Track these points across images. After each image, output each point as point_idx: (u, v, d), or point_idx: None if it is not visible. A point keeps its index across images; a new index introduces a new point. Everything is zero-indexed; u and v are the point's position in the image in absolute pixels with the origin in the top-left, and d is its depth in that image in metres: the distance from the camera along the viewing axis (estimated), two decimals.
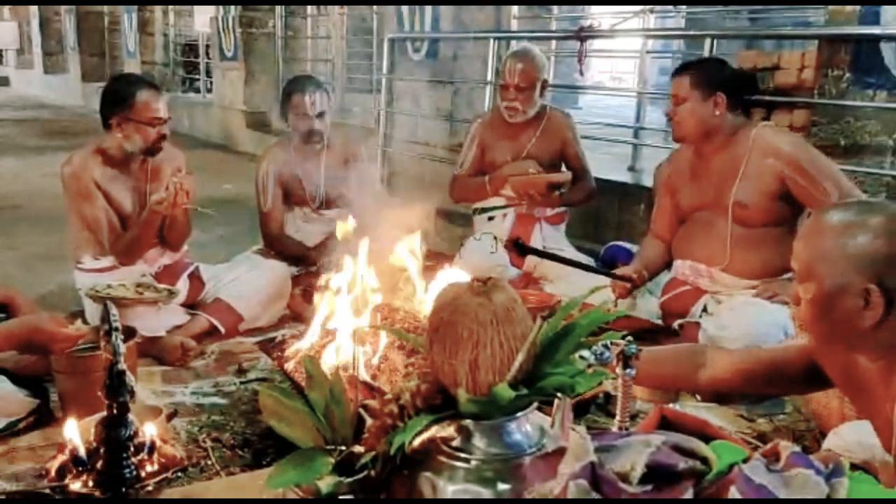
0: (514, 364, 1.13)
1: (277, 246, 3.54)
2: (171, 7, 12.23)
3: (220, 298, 3.16)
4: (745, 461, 1.00)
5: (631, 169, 5.24)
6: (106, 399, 1.18)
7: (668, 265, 2.96)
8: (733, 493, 0.93)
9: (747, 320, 2.55)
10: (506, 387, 1.11)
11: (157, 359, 2.84)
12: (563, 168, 3.70)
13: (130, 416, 1.25)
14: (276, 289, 3.27)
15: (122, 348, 1.17)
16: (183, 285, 3.18)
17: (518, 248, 2.92)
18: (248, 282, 3.20)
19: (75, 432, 1.21)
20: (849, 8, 3.51)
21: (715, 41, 4.17)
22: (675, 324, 2.81)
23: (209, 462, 2.12)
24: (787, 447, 1.03)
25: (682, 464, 0.98)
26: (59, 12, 16.47)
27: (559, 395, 1.16)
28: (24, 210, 5.78)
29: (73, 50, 15.32)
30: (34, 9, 17.52)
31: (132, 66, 12.71)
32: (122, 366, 1.16)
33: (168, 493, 1.31)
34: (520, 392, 1.12)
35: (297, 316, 3.31)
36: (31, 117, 13.06)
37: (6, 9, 20.78)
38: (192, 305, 3.18)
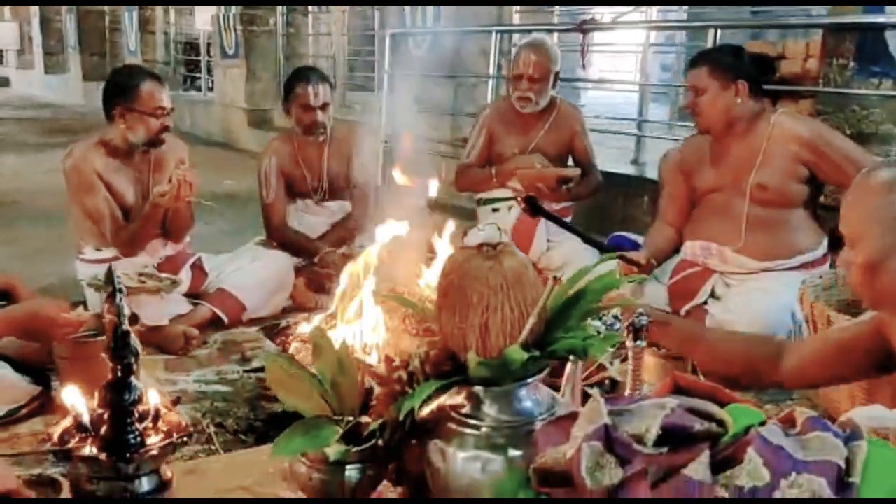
0: (524, 328, 1.11)
1: (280, 237, 3.52)
2: (171, 5, 12.22)
3: (223, 288, 3.14)
4: (761, 424, 0.98)
5: (634, 162, 5.23)
6: (110, 361, 1.16)
7: (676, 251, 2.94)
8: (750, 454, 0.91)
9: (755, 305, 2.54)
10: (518, 348, 1.09)
11: (160, 348, 2.82)
12: (571, 161, 3.68)
13: (135, 381, 1.23)
14: (278, 278, 3.26)
15: (126, 309, 1.15)
16: (185, 275, 3.16)
17: (531, 205, 2.89)
18: (250, 271, 3.18)
19: (78, 397, 1.19)
20: None
21: (718, 33, 4.17)
22: (683, 310, 2.79)
23: (213, 447, 2.12)
24: (803, 413, 1.02)
25: (698, 425, 0.96)
26: (59, 12, 16.45)
27: (571, 357, 1.14)
28: (23, 206, 5.77)
29: (74, 49, 15.30)
30: (35, 9, 17.51)
31: None
32: (127, 326, 1.14)
33: (172, 466, 1.29)
34: (532, 353, 1.10)
35: (300, 306, 3.29)
36: (31, 116, 13.05)
37: (7, 9, 20.78)
38: (195, 295, 3.15)
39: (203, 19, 10.58)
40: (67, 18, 15.67)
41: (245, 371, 2.69)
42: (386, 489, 1.30)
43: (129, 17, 12.81)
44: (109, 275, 1.11)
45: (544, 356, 1.13)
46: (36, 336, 2.23)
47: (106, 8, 14.54)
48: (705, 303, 2.79)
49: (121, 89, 2.91)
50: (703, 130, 2.83)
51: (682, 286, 2.85)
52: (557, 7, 6.09)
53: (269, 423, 2.25)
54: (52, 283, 3.69)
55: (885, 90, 3.41)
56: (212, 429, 2.24)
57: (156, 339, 2.81)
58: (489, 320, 1.12)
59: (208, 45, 10.76)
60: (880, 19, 3.40)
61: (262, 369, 2.68)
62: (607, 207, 4.57)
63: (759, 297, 2.59)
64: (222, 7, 9.43)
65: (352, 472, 1.25)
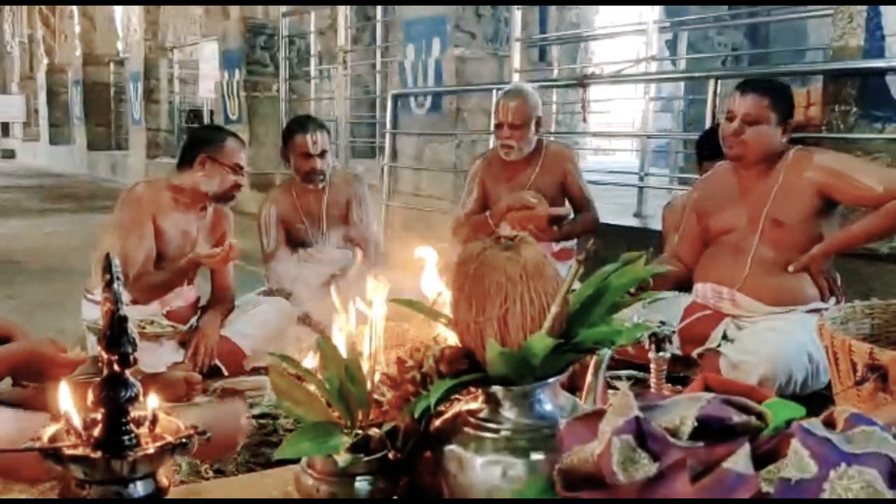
0: (545, 321, 1.05)
1: (281, 286, 3.47)
2: (176, 75, 12.45)
3: (223, 335, 3.07)
4: (803, 418, 0.92)
5: (637, 215, 5.23)
6: (106, 352, 1.09)
7: (679, 286, 2.89)
8: (795, 445, 0.84)
9: (770, 346, 2.46)
10: (542, 335, 1.02)
11: (160, 396, 2.73)
12: (566, 201, 3.65)
13: (132, 378, 1.17)
14: (279, 323, 3.19)
15: (124, 297, 1.09)
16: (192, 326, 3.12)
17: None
18: (251, 317, 3.14)
19: (67, 396, 1.12)
20: (853, 43, 3.53)
21: (719, 84, 4.21)
22: (695, 353, 2.71)
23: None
24: (843, 411, 0.95)
25: (736, 417, 0.90)
26: (65, 84, 16.76)
27: (598, 352, 1.08)
28: (24, 264, 5.79)
29: (80, 120, 15.51)
30: (42, 82, 17.84)
31: (138, 134, 12.86)
32: (124, 312, 1.08)
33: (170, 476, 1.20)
34: (557, 341, 1.03)
35: None
36: (35, 184, 13.14)
37: (14, 83, 21.19)
38: None
39: (206, 87, 10.74)
40: (74, 90, 15.93)
41: (246, 417, 2.61)
42: None
43: (134, 87, 13.02)
44: (107, 262, 1.05)
45: (569, 348, 1.06)
46: (33, 375, 2.16)
47: (112, 79, 14.81)
48: (719, 345, 2.72)
49: (208, 140, 3.03)
50: (734, 157, 2.67)
51: (694, 329, 2.78)
52: (556, 63, 6.17)
53: (269, 468, 2.16)
54: (51, 336, 3.63)
55: (889, 134, 3.41)
56: (210, 474, 2.16)
57: (155, 387, 2.71)
58: (508, 312, 1.05)
59: (211, 112, 10.89)
60: (880, 64, 3.42)
61: (263, 416, 2.61)
62: (611, 258, 4.53)
63: (774, 336, 2.52)
64: (226, 73, 9.58)
65: (361, 484, 1.17)
